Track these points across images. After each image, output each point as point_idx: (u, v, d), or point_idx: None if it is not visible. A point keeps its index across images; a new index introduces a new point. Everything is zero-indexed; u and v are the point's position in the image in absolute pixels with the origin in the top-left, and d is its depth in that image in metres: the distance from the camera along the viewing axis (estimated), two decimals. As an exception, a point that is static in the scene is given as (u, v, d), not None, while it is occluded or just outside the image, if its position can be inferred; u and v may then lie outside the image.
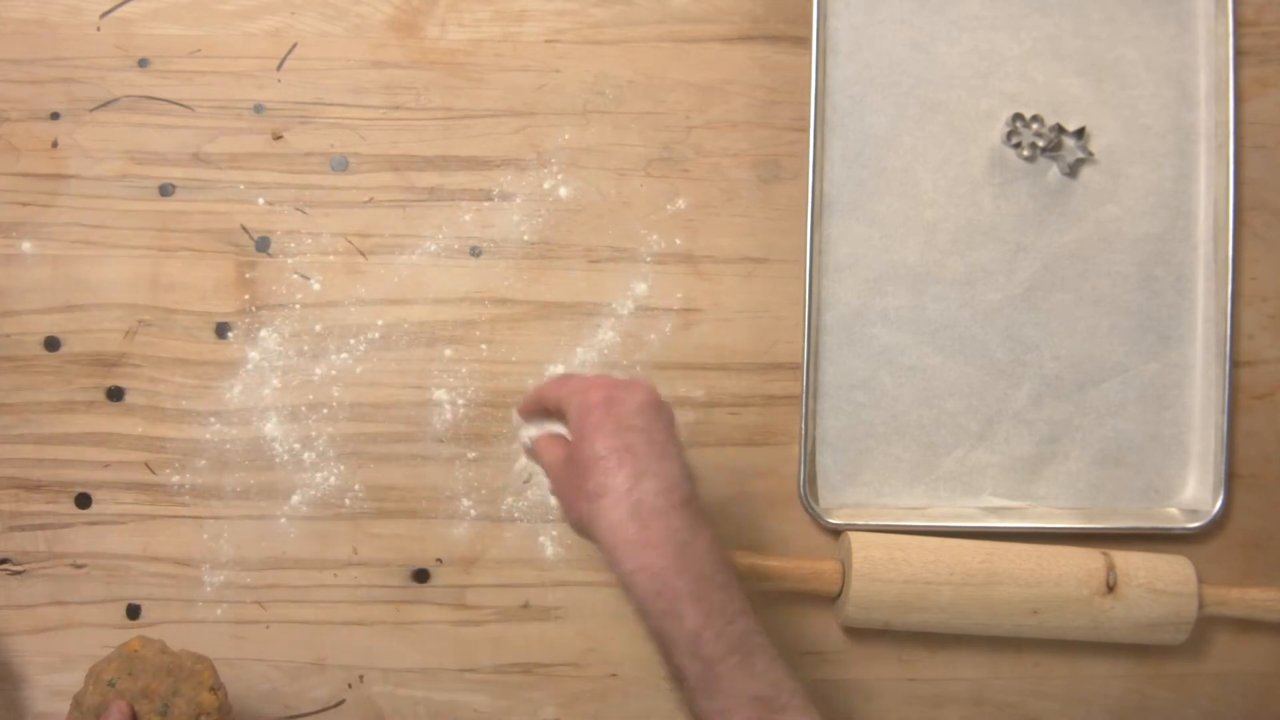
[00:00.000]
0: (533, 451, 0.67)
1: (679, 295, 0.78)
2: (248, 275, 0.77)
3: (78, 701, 0.64)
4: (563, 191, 0.79)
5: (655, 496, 0.56)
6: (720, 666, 0.54)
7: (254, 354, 0.77)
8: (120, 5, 0.77)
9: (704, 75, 0.79)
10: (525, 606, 0.77)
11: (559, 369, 0.78)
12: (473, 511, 0.77)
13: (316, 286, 0.78)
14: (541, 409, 0.67)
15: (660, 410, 0.60)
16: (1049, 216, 0.79)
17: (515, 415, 0.70)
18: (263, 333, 0.77)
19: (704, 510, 0.59)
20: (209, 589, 0.76)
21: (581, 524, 0.60)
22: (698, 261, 0.79)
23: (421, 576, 0.77)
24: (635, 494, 0.56)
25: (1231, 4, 0.79)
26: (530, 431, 0.68)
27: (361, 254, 0.78)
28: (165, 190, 0.77)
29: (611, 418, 0.58)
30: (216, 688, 0.65)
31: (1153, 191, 0.80)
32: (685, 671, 0.55)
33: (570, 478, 0.59)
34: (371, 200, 0.78)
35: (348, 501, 0.77)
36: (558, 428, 0.66)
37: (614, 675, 0.77)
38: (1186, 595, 0.74)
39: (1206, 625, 0.78)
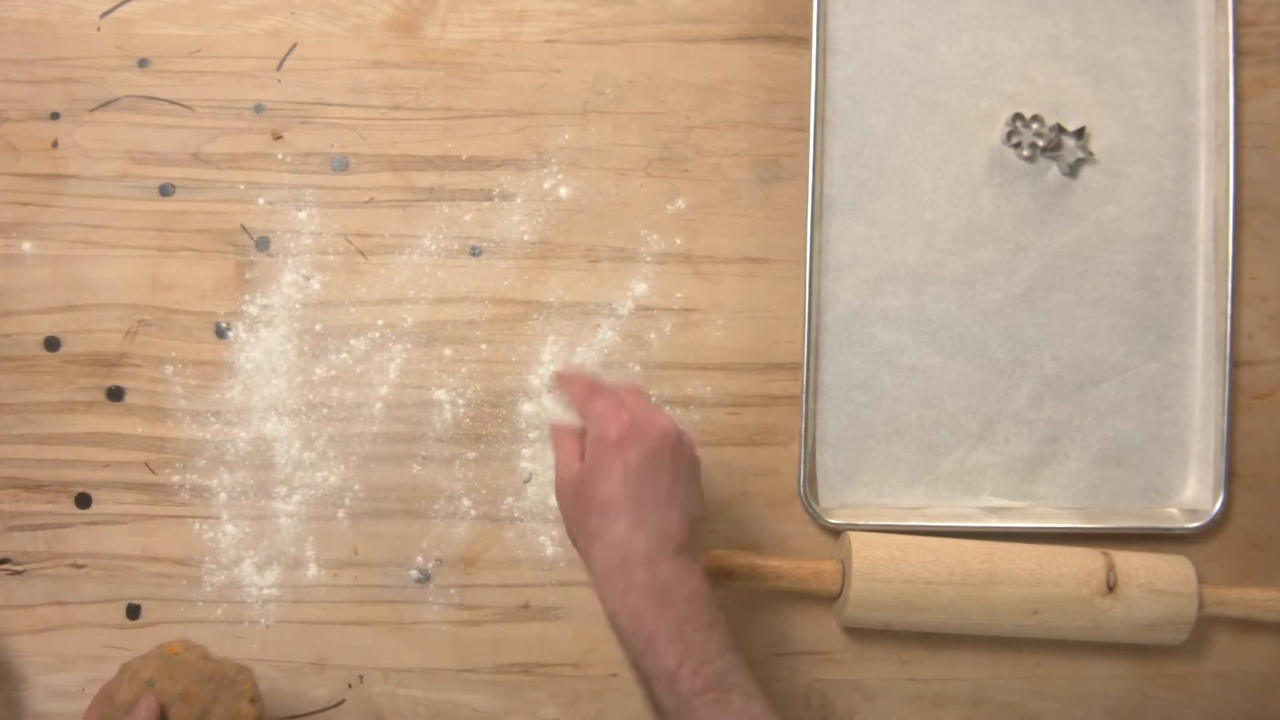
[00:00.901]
0: (553, 430, 0.67)
1: (679, 295, 0.78)
2: (248, 275, 0.77)
3: (109, 695, 0.64)
4: (563, 191, 0.79)
5: (647, 548, 0.59)
6: (696, 702, 0.57)
7: (254, 354, 0.77)
8: (120, 5, 0.77)
9: (704, 75, 0.79)
10: (525, 606, 0.77)
11: (561, 368, 0.78)
12: (473, 511, 0.77)
13: (316, 286, 0.78)
14: (569, 401, 0.67)
15: (676, 451, 0.62)
16: (1049, 216, 0.79)
17: (551, 382, 0.69)
18: (263, 333, 0.77)
19: (703, 545, 0.62)
20: (209, 589, 0.76)
21: (574, 545, 0.64)
22: (698, 261, 0.79)
23: (422, 576, 0.77)
24: (628, 545, 0.59)
25: (1231, 4, 0.79)
26: (557, 410, 0.66)
27: (361, 254, 0.78)
28: (165, 190, 0.77)
29: (622, 461, 0.60)
30: (256, 699, 0.65)
31: (1153, 191, 0.80)
32: (663, 706, 0.58)
33: (574, 500, 0.62)
34: (371, 200, 0.78)
35: (348, 501, 0.77)
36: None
37: (614, 675, 0.77)
38: (1186, 595, 0.74)
39: (1206, 625, 0.78)
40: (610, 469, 0.60)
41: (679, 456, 0.63)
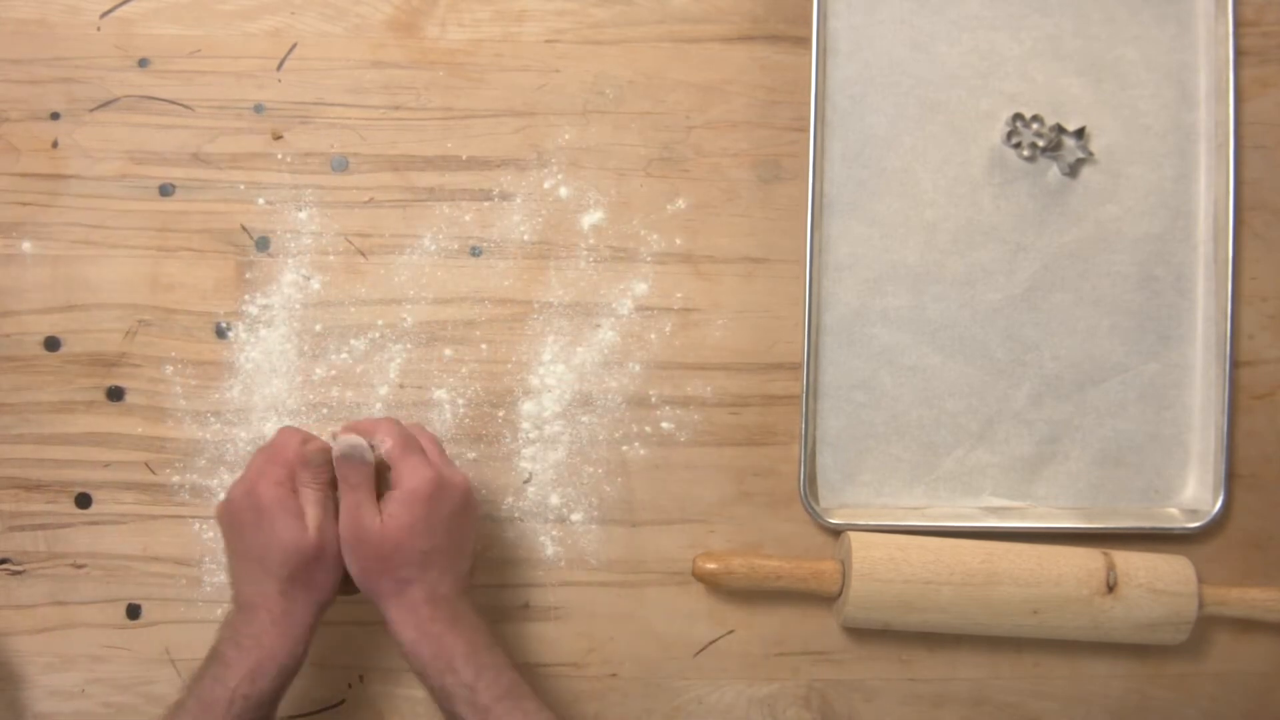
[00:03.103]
0: (345, 467, 0.66)
1: (679, 295, 0.78)
2: (248, 275, 0.77)
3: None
4: (563, 191, 0.79)
5: (449, 588, 0.67)
6: (497, 709, 0.63)
7: (254, 354, 0.77)
8: (120, 5, 0.77)
9: (704, 75, 0.79)
10: (525, 606, 0.77)
11: (560, 369, 0.78)
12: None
13: (316, 286, 0.78)
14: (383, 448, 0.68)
15: (471, 508, 0.69)
16: (1049, 216, 0.79)
17: (345, 430, 0.68)
18: (263, 332, 0.77)
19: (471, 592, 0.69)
20: (209, 589, 0.76)
21: (373, 591, 0.66)
22: (698, 261, 0.79)
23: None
24: (435, 586, 0.66)
25: (1231, 4, 0.78)
26: (360, 442, 0.66)
27: (361, 254, 0.78)
28: (165, 190, 0.77)
29: (432, 517, 0.66)
30: None
31: (1153, 191, 0.80)
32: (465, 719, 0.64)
33: (379, 548, 0.65)
34: (371, 200, 0.78)
35: (348, 501, 0.77)
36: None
37: (614, 675, 0.77)
38: (1186, 595, 0.74)
39: (1206, 625, 0.78)
40: (425, 523, 0.66)
41: (472, 512, 0.69)
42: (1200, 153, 0.80)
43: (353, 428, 0.68)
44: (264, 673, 0.63)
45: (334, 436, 0.67)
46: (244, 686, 0.62)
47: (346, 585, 0.68)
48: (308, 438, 0.67)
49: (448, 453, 0.73)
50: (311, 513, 0.66)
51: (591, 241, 0.78)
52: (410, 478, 0.66)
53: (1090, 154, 0.79)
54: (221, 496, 0.76)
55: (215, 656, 0.64)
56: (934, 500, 0.79)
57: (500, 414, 0.78)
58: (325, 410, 0.77)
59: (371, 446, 0.66)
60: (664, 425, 0.78)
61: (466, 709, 0.63)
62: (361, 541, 0.65)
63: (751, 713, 0.78)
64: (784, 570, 0.75)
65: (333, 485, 0.67)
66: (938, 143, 0.79)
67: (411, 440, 0.67)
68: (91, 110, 0.77)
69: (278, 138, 0.78)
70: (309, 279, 0.78)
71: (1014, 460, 0.79)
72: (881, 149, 0.79)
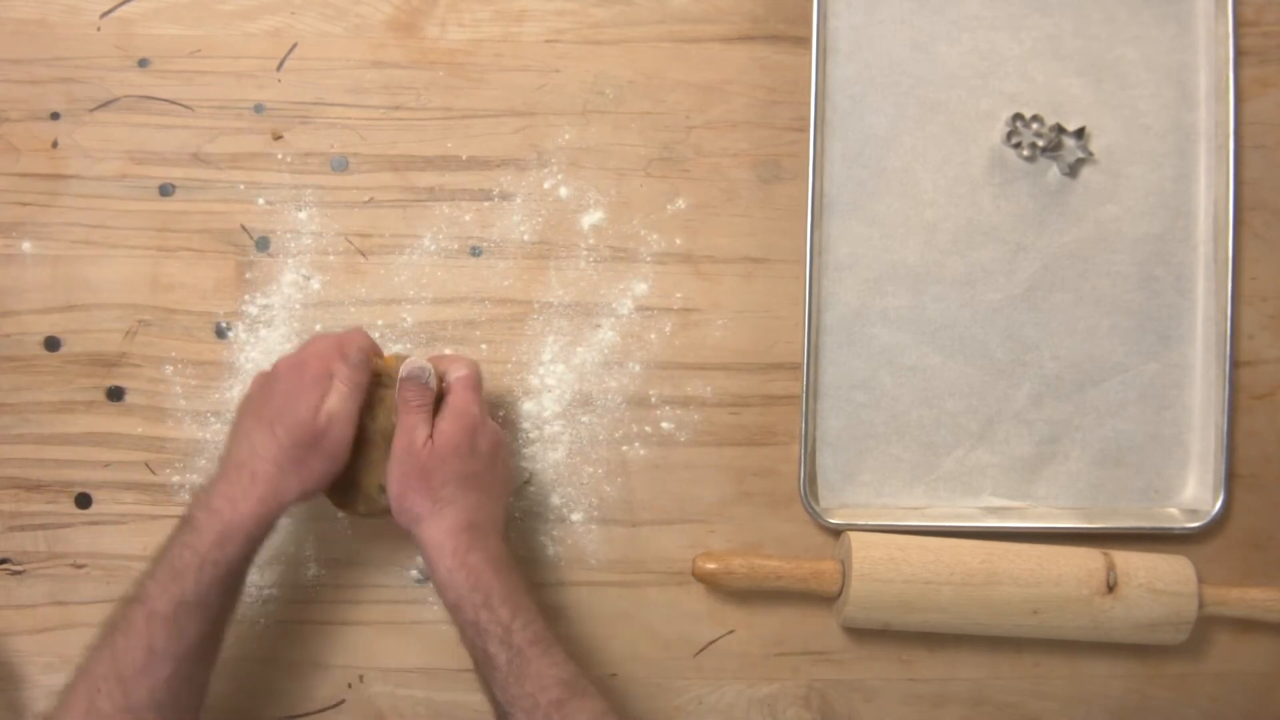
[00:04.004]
0: (409, 391, 0.68)
1: (679, 295, 0.78)
2: (248, 275, 0.77)
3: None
4: (563, 191, 0.79)
5: (486, 520, 0.68)
6: (529, 652, 0.63)
7: (254, 354, 0.77)
8: (120, 5, 0.77)
9: (704, 75, 0.79)
10: (525, 606, 0.77)
11: (560, 369, 0.78)
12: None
13: (316, 286, 0.78)
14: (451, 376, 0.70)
15: (506, 454, 0.72)
16: (1049, 216, 0.79)
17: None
18: (263, 332, 0.77)
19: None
20: (209, 589, 0.76)
21: (410, 512, 0.67)
22: (698, 261, 0.79)
23: (422, 576, 0.77)
24: (476, 514, 0.67)
25: (1231, 4, 0.78)
26: (426, 367, 0.68)
27: (361, 254, 0.78)
28: (165, 190, 0.77)
29: (475, 445, 0.68)
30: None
31: (1153, 191, 0.80)
32: (497, 660, 0.63)
33: (424, 467, 0.66)
34: (371, 200, 0.78)
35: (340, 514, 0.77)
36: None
37: (614, 675, 0.77)
38: (1186, 595, 0.74)
39: (1206, 625, 0.78)
40: (468, 447, 0.67)
41: (506, 457, 0.72)
42: (1200, 153, 0.80)
43: (432, 358, 0.71)
44: (232, 538, 0.63)
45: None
46: (213, 552, 0.63)
47: (347, 497, 0.70)
48: (357, 337, 0.69)
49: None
50: (332, 402, 0.66)
51: (591, 241, 0.78)
52: (460, 405, 0.68)
53: (1090, 154, 0.79)
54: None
55: (185, 522, 0.64)
56: (934, 500, 0.79)
57: (500, 414, 0.78)
58: (325, 410, 0.77)
59: (440, 377, 0.69)
60: (664, 425, 0.78)
61: (499, 648, 0.63)
62: (411, 455, 0.66)
63: (751, 713, 0.78)
64: (784, 570, 0.75)
65: (362, 390, 0.68)
66: (938, 143, 0.79)
67: (477, 382, 0.70)
68: (91, 110, 0.77)
69: (278, 138, 0.78)
70: (309, 279, 0.78)
71: (1014, 460, 0.79)
72: (881, 149, 0.79)
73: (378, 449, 0.69)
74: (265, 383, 0.68)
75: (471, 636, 0.65)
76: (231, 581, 0.64)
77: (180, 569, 0.62)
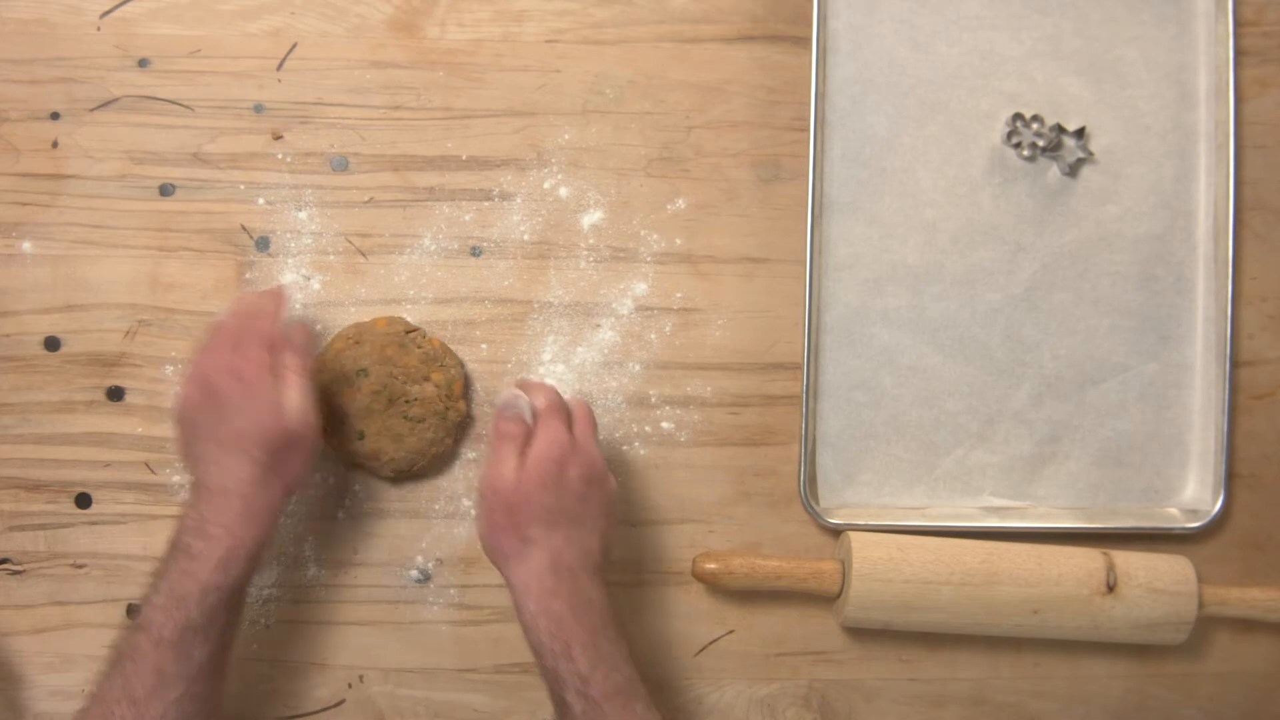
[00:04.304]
0: (501, 423, 0.68)
1: (679, 295, 0.78)
2: (247, 275, 0.77)
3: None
4: (563, 191, 0.78)
5: (574, 559, 0.65)
6: (606, 706, 0.62)
7: (254, 354, 0.77)
8: (120, 5, 0.77)
9: (704, 75, 0.79)
10: (525, 606, 0.77)
11: (560, 369, 0.78)
12: (473, 511, 0.77)
13: (316, 286, 0.78)
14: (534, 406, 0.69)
15: (603, 484, 0.68)
16: (1049, 216, 0.79)
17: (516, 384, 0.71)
18: (263, 333, 0.77)
19: (605, 572, 0.68)
20: (209, 589, 0.76)
21: (497, 550, 0.66)
22: (698, 261, 0.79)
23: (422, 576, 0.77)
24: (560, 553, 0.65)
25: (1231, 4, 0.78)
26: (521, 398, 0.68)
27: (361, 254, 0.78)
28: (165, 190, 0.77)
29: (562, 479, 0.65)
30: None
31: (1153, 191, 0.80)
32: (573, 709, 0.62)
33: (508, 503, 0.65)
34: (371, 200, 0.78)
35: (348, 502, 0.77)
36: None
37: (614, 675, 0.77)
38: (1186, 595, 0.74)
39: (1206, 625, 0.78)
40: (554, 481, 0.65)
41: (604, 490, 0.68)
42: (1200, 153, 0.80)
43: (520, 384, 0.69)
44: (235, 561, 0.63)
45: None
46: (216, 577, 0.62)
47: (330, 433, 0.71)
48: (276, 311, 0.67)
49: (455, 451, 0.74)
50: (291, 397, 0.65)
51: (591, 241, 0.78)
52: (546, 436, 0.66)
53: (1090, 154, 0.79)
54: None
55: (180, 549, 0.63)
56: (934, 500, 0.79)
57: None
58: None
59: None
60: (664, 425, 0.78)
61: (576, 699, 0.62)
62: (497, 491, 0.65)
63: (751, 713, 0.78)
64: (784, 570, 0.75)
65: (308, 368, 0.67)
66: (938, 143, 0.79)
67: (560, 408, 0.68)
68: (91, 110, 0.77)
69: (278, 138, 0.78)
70: (309, 279, 0.78)
71: (1014, 460, 0.79)
72: (881, 149, 0.79)
73: (359, 398, 0.73)
74: (205, 400, 0.65)
75: (550, 683, 0.64)
76: (235, 601, 0.64)
77: (183, 595, 0.62)
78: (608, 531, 0.68)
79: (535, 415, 0.67)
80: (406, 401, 0.74)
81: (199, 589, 0.62)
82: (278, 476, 0.65)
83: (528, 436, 0.67)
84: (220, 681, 0.64)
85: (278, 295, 0.69)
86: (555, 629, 0.63)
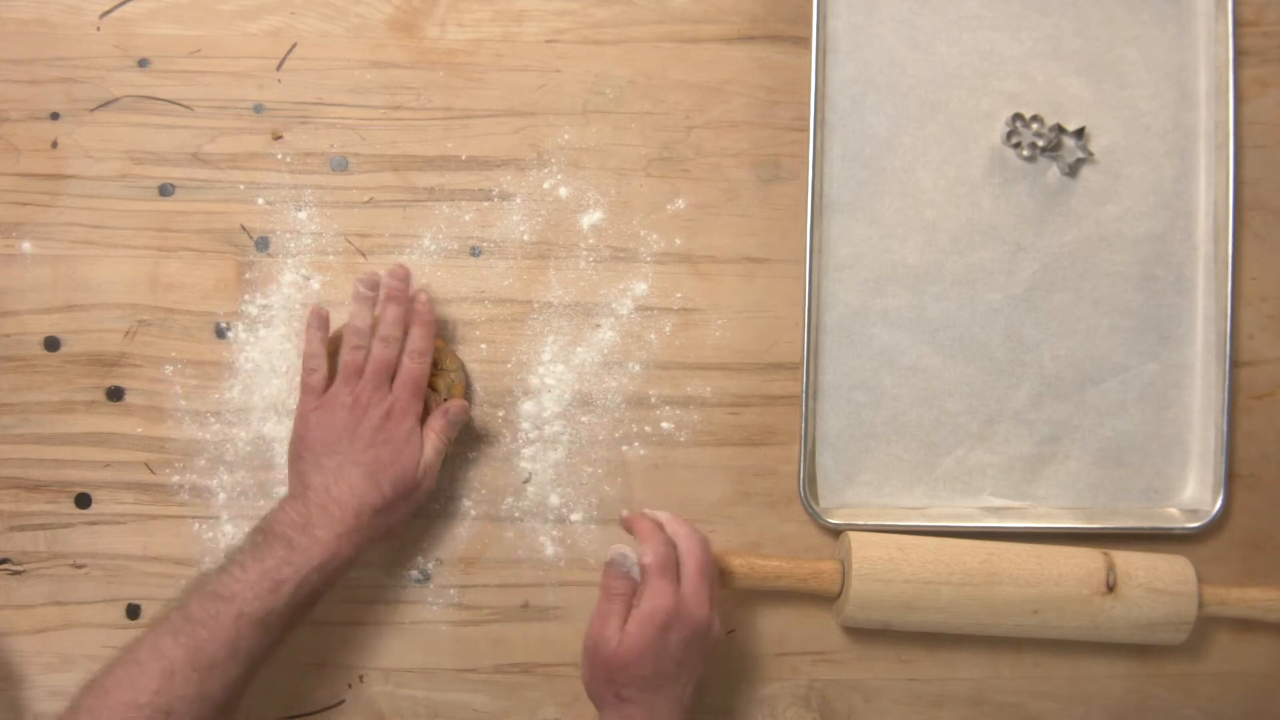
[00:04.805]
0: (608, 579, 0.69)
1: (679, 295, 0.78)
2: (247, 275, 0.77)
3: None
4: (563, 191, 0.79)
5: (666, 714, 0.67)
6: None
7: (254, 354, 0.77)
8: (120, 5, 0.77)
9: (704, 75, 0.79)
10: (525, 606, 0.77)
11: (560, 369, 0.78)
12: (473, 511, 0.77)
13: (316, 286, 0.78)
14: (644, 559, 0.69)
15: (705, 640, 0.68)
16: (1049, 216, 0.79)
17: (623, 523, 0.71)
18: (263, 332, 0.77)
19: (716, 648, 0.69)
20: (209, 589, 0.76)
21: (596, 699, 0.68)
22: (698, 261, 0.79)
23: (421, 576, 0.77)
24: (653, 709, 0.66)
25: (1231, 4, 0.78)
26: (629, 555, 0.68)
27: (361, 254, 0.78)
28: (165, 190, 0.77)
29: (664, 644, 0.66)
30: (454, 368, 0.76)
31: (1153, 191, 0.80)
32: None
33: (608, 663, 0.66)
34: (371, 200, 0.78)
35: (348, 501, 0.77)
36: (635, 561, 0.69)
37: (614, 675, 0.77)
38: (1186, 595, 0.74)
39: (1206, 625, 0.78)
40: (655, 649, 0.66)
41: (706, 641, 0.68)
42: (1200, 153, 0.80)
43: (631, 523, 0.70)
44: (333, 567, 0.67)
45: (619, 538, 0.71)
46: (313, 575, 0.66)
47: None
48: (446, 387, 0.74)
49: (454, 451, 0.74)
50: (429, 456, 0.71)
51: (591, 241, 0.78)
52: (651, 600, 0.66)
53: (1090, 154, 0.79)
54: (222, 497, 0.76)
55: (281, 538, 0.66)
56: (934, 500, 0.79)
57: (500, 414, 0.78)
58: (325, 410, 0.77)
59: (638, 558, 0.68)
60: (664, 425, 0.78)
61: None
62: (598, 650, 0.67)
63: (751, 713, 0.78)
64: (784, 570, 0.75)
65: (449, 440, 0.73)
66: (938, 143, 0.79)
67: (670, 564, 0.68)
68: (91, 110, 0.77)
69: (278, 138, 0.78)
70: (309, 279, 0.78)
71: (1014, 460, 0.79)
72: (881, 149, 0.79)
73: None
74: (349, 418, 0.70)
75: None
76: (314, 601, 0.67)
77: (279, 580, 0.65)
78: (703, 675, 0.69)
79: (644, 572, 0.67)
80: None
81: (296, 579, 0.65)
82: (390, 515, 0.70)
83: (634, 593, 0.68)
84: (257, 673, 0.66)
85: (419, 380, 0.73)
86: None
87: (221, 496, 0.76)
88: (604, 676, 0.66)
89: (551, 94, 0.78)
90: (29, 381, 0.76)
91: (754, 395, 0.78)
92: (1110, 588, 0.73)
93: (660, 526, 0.70)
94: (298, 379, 0.77)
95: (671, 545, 0.69)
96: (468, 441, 0.77)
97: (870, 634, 0.78)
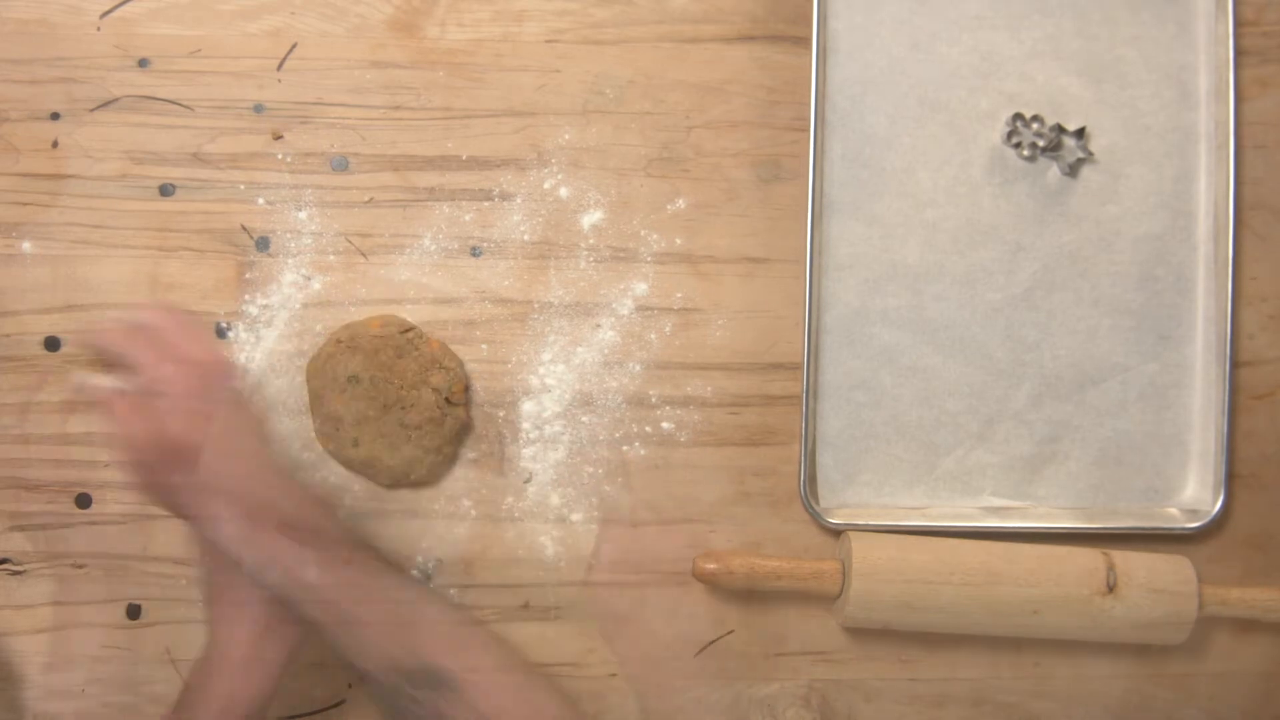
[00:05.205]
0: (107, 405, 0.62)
1: (679, 295, 0.78)
2: (247, 275, 0.77)
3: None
4: (563, 191, 0.79)
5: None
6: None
7: (254, 354, 0.77)
8: (120, 5, 0.77)
9: (704, 75, 0.79)
10: (525, 606, 0.77)
11: (560, 369, 0.78)
12: (473, 511, 0.77)
13: (316, 286, 0.78)
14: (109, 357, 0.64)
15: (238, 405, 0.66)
16: (1049, 216, 0.79)
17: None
18: (263, 332, 0.77)
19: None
20: (209, 589, 0.76)
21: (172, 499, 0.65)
22: (698, 261, 0.79)
23: (421, 576, 0.77)
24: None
25: (1231, 4, 0.78)
26: (104, 382, 0.63)
27: (361, 254, 0.78)
28: (165, 190, 0.77)
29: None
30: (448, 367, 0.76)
31: (1153, 191, 0.80)
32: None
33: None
34: (371, 200, 0.78)
35: (348, 501, 0.77)
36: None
37: (614, 675, 0.77)
38: (1186, 595, 0.74)
39: (1206, 625, 0.78)
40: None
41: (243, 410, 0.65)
42: (1200, 153, 0.80)
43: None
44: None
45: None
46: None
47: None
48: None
49: (455, 451, 0.74)
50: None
51: (591, 241, 0.78)
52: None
53: (1090, 154, 0.79)
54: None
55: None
56: (934, 500, 0.79)
57: (500, 414, 0.78)
58: (325, 410, 0.77)
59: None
60: (664, 425, 0.78)
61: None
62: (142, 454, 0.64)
63: (751, 713, 0.78)
64: (784, 570, 0.75)
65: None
66: (938, 143, 0.79)
67: (138, 337, 0.64)
68: (91, 110, 0.77)
69: (278, 138, 0.78)
70: (309, 279, 0.78)
71: (1014, 460, 0.79)
72: (881, 149, 0.79)
73: (353, 405, 0.74)
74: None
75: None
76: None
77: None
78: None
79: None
80: (402, 408, 0.74)
81: None
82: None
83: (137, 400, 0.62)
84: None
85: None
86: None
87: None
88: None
89: (551, 94, 0.78)
90: (29, 381, 0.76)
91: (754, 395, 0.78)
92: (1110, 588, 0.74)
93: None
94: (298, 379, 0.77)
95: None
96: (468, 441, 0.77)
97: (871, 634, 0.78)
